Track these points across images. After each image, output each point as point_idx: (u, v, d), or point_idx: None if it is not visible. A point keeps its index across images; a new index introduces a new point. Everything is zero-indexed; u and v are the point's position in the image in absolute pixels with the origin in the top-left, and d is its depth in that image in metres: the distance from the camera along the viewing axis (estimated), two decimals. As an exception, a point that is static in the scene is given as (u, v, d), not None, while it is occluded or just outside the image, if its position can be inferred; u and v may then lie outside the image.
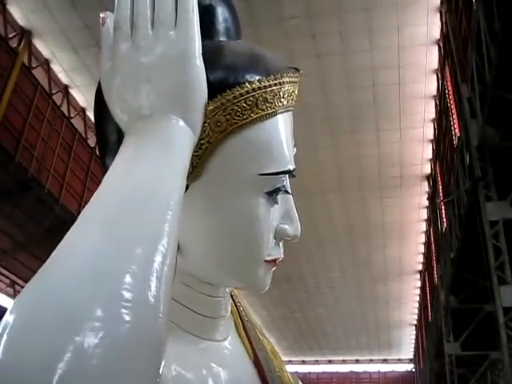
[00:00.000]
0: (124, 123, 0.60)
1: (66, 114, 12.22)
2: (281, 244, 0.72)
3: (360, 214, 15.59)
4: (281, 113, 0.68)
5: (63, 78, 11.92)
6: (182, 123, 0.59)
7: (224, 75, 0.64)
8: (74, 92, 12.26)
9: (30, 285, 0.42)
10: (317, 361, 28.61)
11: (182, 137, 0.58)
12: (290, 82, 0.69)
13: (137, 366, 0.40)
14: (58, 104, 11.90)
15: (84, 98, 12.42)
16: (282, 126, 0.68)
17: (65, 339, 0.37)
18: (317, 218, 15.63)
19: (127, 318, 0.40)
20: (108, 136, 0.66)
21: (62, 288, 0.40)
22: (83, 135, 12.94)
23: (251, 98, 0.65)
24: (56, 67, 11.59)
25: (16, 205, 10.63)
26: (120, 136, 0.60)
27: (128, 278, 0.42)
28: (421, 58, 10.97)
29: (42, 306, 0.39)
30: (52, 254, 0.44)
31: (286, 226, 0.70)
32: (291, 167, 0.68)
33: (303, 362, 28.55)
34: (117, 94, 0.59)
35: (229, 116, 0.64)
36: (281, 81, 0.67)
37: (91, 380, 0.37)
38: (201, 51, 0.61)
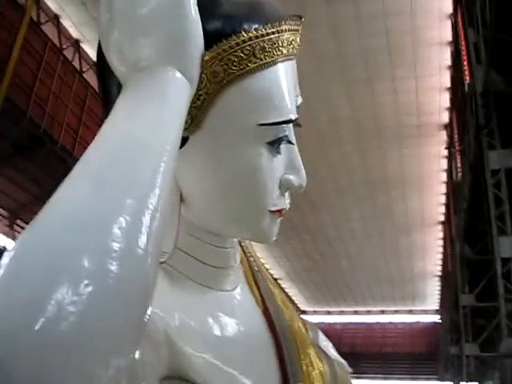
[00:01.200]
0: (122, 75, 0.60)
1: (78, 69, 12.24)
2: (286, 194, 0.71)
3: (379, 164, 15.44)
4: (281, 61, 0.67)
5: (73, 33, 11.96)
6: (178, 74, 0.58)
7: (220, 25, 0.63)
8: (85, 46, 12.30)
9: (20, 236, 0.42)
10: (342, 311, 28.87)
11: (178, 88, 0.57)
12: (289, 30, 0.68)
13: (120, 316, 0.40)
14: (70, 59, 11.93)
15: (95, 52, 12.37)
16: (282, 74, 0.67)
17: (48, 288, 0.37)
18: (335, 169, 15.58)
19: (112, 268, 0.40)
20: (110, 89, 0.66)
21: (48, 238, 0.41)
22: (96, 89, 12.92)
23: (248, 48, 0.64)
24: (66, 22, 11.62)
25: (30, 159, 10.82)
26: (120, 89, 0.59)
27: (115, 230, 0.42)
28: (434, 3, 10.62)
29: (27, 255, 0.40)
30: (44, 206, 0.44)
31: (291, 176, 0.70)
32: (293, 116, 0.67)
33: (328, 313, 28.82)
34: (114, 46, 0.59)
35: (226, 66, 0.63)
36: (279, 29, 0.66)
37: (73, 328, 0.37)
38: (195, 1, 0.60)
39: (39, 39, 10.92)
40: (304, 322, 0.89)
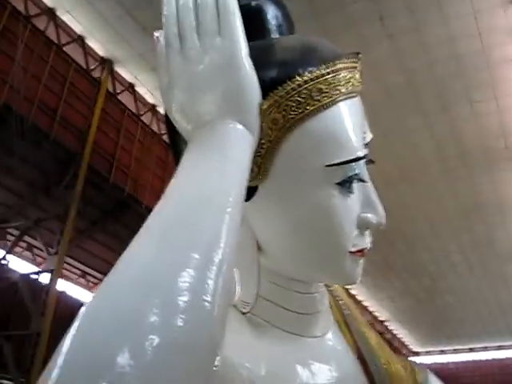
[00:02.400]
0: (186, 133, 0.63)
1: (157, 132, 12.75)
2: (367, 233, 0.71)
3: (471, 192, 14.77)
4: (341, 100, 0.67)
5: (149, 99, 12.51)
6: (238, 126, 0.60)
7: (274, 72, 0.65)
8: (161, 110, 12.79)
9: (94, 294, 0.45)
10: (456, 350, 27.29)
11: (239, 139, 0.59)
12: (346, 68, 0.68)
13: (185, 368, 0.41)
14: (148, 123, 12.46)
15: (172, 114, 12.82)
16: (344, 113, 0.67)
17: (113, 345, 0.39)
18: (426, 203, 15.07)
19: (178, 322, 0.41)
20: (179, 148, 0.69)
21: (115, 297, 0.43)
22: (177, 149, 13.31)
23: (304, 91, 0.64)
24: (141, 89, 12.18)
25: (118, 222, 11.30)
26: None
27: (180, 285, 0.43)
28: (500, 20, 10.23)
29: (95, 314, 0.42)
30: (115, 265, 0.47)
31: (368, 215, 0.69)
32: (360, 154, 0.67)
33: (442, 352, 27.36)
34: (175, 105, 0.63)
35: (284, 112, 0.64)
36: (334, 68, 0.67)
37: (137, 382, 0.38)
38: (248, 53, 0.62)
39: (117, 108, 11.54)
40: (410, 365, 0.86)
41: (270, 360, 0.65)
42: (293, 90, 0.64)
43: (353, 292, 18.85)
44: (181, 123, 0.63)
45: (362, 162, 0.68)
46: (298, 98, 0.64)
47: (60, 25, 10.56)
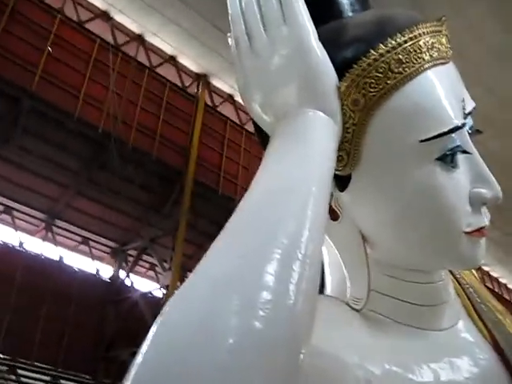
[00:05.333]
0: (267, 128, 0.62)
1: (263, 139, 12.74)
2: (483, 210, 0.64)
3: None
4: (426, 69, 0.62)
5: (251, 106, 12.54)
6: (319, 114, 0.58)
7: (348, 51, 0.62)
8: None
9: (174, 295, 0.44)
10: None
11: (320, 127, 0.57)
12: (427, 34, 0.63)
13: (267, 371, 0.40)
14: (252, 130, 12.47)
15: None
16: (432, 82, 0.62)
17: (194, 347, 0.39)
18: None
19: (259, 326, 0.40)
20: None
21: (195, 300, 0.42)
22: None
23: (382, 65, 0.60)
24: (240, 98, 12.24)
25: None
26: None
27: (261, 285, 0.42)
28: None
29: (177, 317, 0.41)
30: (194, 268, 0.46)
31: (482, 190, 0.62)
32: (458, 123, 0.61)
33: None
34: (254, 103, 0.62)
35: (364, 91, 0.60)
36: (411, 36, 0.62)
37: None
38: (316, 36, 0.60)
39: (218, 120, 11.69)
40: None
41: (391, 358, 0.61)
42: (369, 66, 0.60)
43: (485, 269, 17.42)
44: (261, 120, 0.62)
45: (463, 131, 0.62)
46: (376, 74, 0.60)
47: (150, 48, 10.91)
